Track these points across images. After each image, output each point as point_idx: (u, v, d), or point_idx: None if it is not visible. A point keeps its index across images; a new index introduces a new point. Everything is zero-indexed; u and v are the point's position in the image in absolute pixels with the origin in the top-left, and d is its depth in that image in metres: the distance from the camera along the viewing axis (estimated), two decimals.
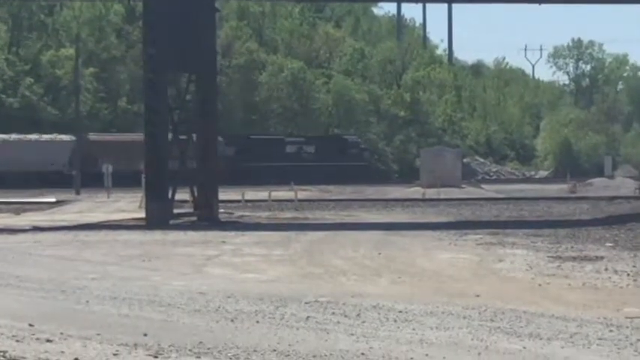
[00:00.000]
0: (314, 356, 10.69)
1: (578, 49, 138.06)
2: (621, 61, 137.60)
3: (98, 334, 11.67)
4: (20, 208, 41.72)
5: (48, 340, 11.28)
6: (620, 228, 29.76)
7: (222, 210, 36.61)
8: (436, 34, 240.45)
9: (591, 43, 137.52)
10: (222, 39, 77.98)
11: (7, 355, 10.43)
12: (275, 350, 10.90)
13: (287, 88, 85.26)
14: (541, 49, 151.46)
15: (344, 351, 10.92)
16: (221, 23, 75.19)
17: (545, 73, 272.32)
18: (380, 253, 22.30)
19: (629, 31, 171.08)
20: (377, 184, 66.29)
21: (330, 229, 30.34)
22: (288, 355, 10.69)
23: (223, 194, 38.39)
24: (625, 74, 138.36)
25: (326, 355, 10.72)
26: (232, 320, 12.95)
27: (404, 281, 17.70)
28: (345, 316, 13.37)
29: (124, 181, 52.87)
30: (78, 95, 62.25)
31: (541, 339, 11.79)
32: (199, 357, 10.64)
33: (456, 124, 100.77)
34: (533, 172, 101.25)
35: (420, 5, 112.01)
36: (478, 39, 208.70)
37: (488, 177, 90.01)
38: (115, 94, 78.02)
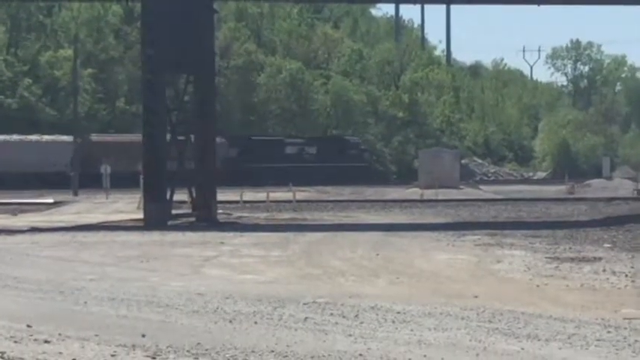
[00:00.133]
0: (312, 357, 10.68)
1: (577, 50, 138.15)
2: (619, 62, 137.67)
3: (96, 335, 11.67)
4: (18, 209, 41.72)
5: (46, 341, 11.28)
6: (618, 229, 29.78)
7: (220, 211, 36.61)
8: (434, 35, 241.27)
9: (589, 44, 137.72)
10: (221, 40, 77.98)
11: (5, 356, 10.43)
12: (273, 351, 10.90)
13: (285, 89, 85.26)
14: (539, 50, 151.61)
15: (342, 352, 10.91)
16: (219, 24, 75.19)
17: (543, 74, 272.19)
18: (378, 254, 22.31)
19: (627, 32, 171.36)
20: (375, 185, 66.34)
21: (329, 230, 30.35)
22: (286, 356, 10.69)
23: (221, 195, 38.40)
24: (623, 75, 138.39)
25: (324, 356, 10.72)
26: (230, 321, 12.95)
27: (402, 282, 17.70)
28: (343, 317, 13.37)
29: (123, 182, 52.86)
30: (76, 96, 62.19)
31: (539, 340, 11.79)
32: (197, 358, 10.63)
33: (454, 125, 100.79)
34: (531, 173, 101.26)
35: (418, 6, 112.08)
36: (476, 40, 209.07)
37: (486, 178, 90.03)
38: (114, 95, 78.00)
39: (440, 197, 49.94)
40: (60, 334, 11.71)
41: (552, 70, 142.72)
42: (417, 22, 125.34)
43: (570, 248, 23.80)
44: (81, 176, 55.40)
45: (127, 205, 42.38)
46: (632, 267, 19.71)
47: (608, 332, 12.43)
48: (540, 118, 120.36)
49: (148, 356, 10.62)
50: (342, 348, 11.13)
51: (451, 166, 62.37)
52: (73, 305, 14.38)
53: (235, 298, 15.04)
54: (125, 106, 76.85)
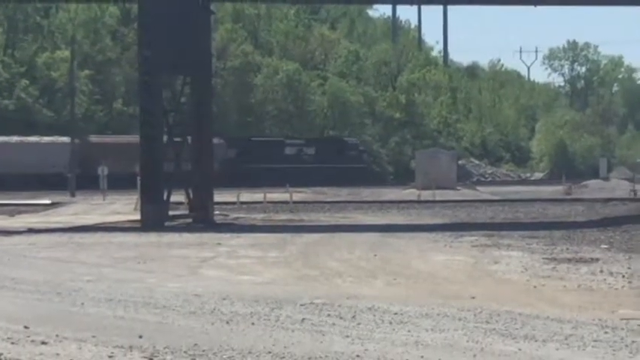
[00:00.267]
0: (309, 358, 10.68)
1: (574, 50, 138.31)
2: (616, 62, 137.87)
3: (93, 336, 11.66)
4: (15, 210, 41.70)
5: (43, 343, 11.28)
6: (615, 230, 29.77)
7: (217, 212, 36.61)
8: (431, 36, 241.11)
9: (586, 44, 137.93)
10: (218, 41, 77.96)
11: (2, 357, 10.43)
12: (270, 352, 10.90)
13: (282, 90, 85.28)
14: (536, 51, 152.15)
15: (339, 353, 10.91)
16: (216, 26, 75.17)
17: (540, 74, 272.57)
18: (375, 255, 22.30)
19: (624, 32, 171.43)
20: (372, 186, 66.35)
21: (326, 231, 30.34)
22: (284, 357, 10.69)
23: (218, 196, 38.38)
24: (620, 76, 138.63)
25: (321, 357, 10.72)
26: (227, 322, 12.94)
27: (399, 283, 17.69)
28: (341, 318, 13.37)
29: (120, 184, 52.85)
30: (73, 97, 62.21)
31: (536, 341, 11.79)
32: (194, 359, 10.63)
33: (451, 126, 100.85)
34: (528, 174, 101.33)
35: (415, 7, 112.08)
36: (473, 41, 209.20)
37: (483, 179, 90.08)
38: (110, 97, 77.98)
39: (437, 198, 49.94)
40: (57, 336, 11.70)
41: (549, 70, 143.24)
42: (414, 22, 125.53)
43: (567, 249, 23.79)
44: (79, 177, 55.40)
45: (124, 207, 42.36)
46: (629, 268, 19.71)
47: (606, 333, 12.43)
48: (537, 119, 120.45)
49: (145, 357, 10.62)
50: (340, 349, 11.13)
51: (448, 167, 62.41)
52: (70, 306, 14.37)
53: (232, 299, 15.03)
54: (122, 108, 76.86)
